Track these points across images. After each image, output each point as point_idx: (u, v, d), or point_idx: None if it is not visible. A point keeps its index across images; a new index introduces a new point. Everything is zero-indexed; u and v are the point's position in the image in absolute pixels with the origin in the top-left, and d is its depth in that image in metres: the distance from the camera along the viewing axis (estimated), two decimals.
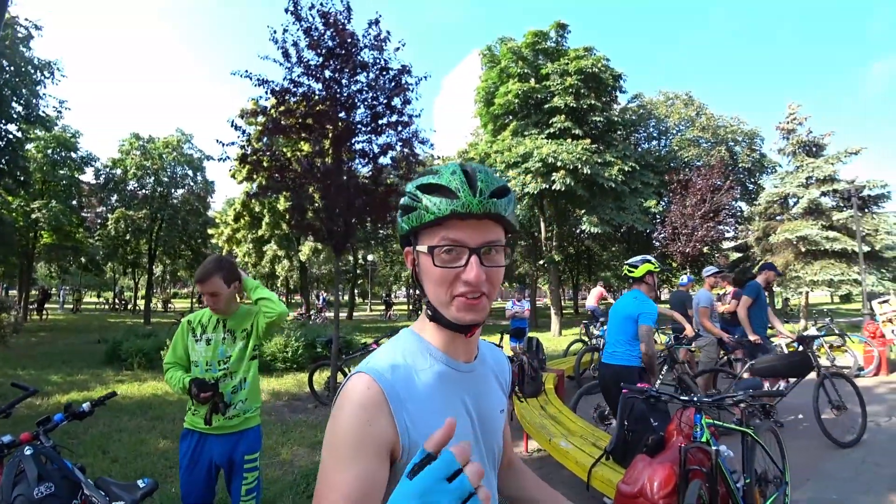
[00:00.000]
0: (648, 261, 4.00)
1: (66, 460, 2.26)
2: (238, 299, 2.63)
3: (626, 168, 16.55)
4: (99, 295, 50.79)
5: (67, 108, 17.83)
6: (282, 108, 6.55)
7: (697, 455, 2.62)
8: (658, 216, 18.49)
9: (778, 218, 20.89)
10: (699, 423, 2.71)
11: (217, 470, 2.51)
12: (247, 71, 6.36)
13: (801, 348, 5.30)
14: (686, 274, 9.93)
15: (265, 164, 6.79)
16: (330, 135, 6.61)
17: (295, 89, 6.56)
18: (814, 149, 21.96)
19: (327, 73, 6.55)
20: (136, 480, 2.22)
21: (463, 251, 0.79)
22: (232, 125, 6.73)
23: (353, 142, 6.88)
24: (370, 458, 0.74)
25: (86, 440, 5.16)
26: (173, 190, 24.56)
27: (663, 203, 19.10)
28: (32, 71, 15.57)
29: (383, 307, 30.23)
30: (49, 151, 20.62)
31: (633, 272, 4.01)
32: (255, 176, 7.53)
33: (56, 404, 6.68)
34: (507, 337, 7.25)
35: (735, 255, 22.26)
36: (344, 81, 6.64)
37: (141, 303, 29.80)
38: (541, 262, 19.31)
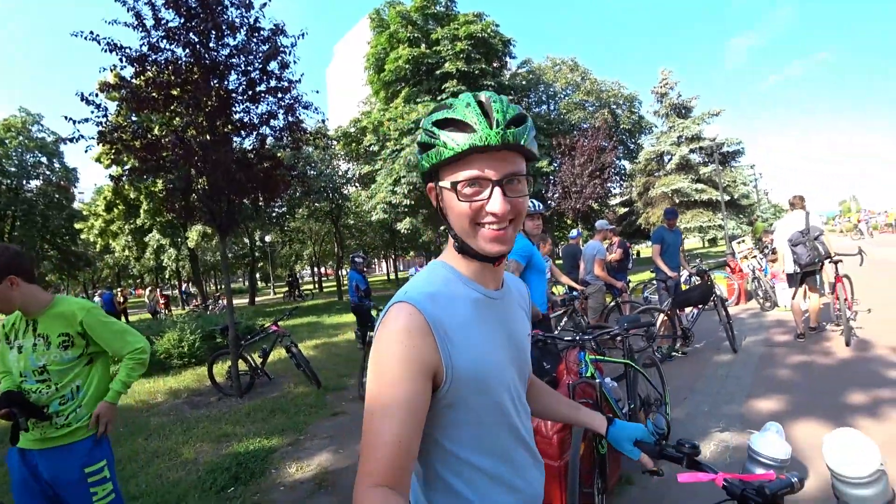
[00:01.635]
0: None
1: None
2: (47, 294, 2.23)
3: None
4: None
5: None
6: (143, 79, 5.81)
7: (585, 389, 2.82)
8: (550, 177, 19.40)
9: (656, 174, 23.00)
10: (583, 360, 2.91)
11: (58, 490, 2.13)
12: (92, 33, 5.53)
13: (700, 281, 6.15)
14: (576, 228, 10.61)
15: (133, 143, 6.03)
16: (203, 106, 6.01)
17: (156, 56, 5.85)
18: (683, 111, 24.32)
19: (192, 37, 5.91)
20: None
21: (486, 183, 0.81)
22: (83, 99, 5.86)
23: (229, 112, 6.32)
24: (416, 379, 0.78)
25: None
26: (24, 182, 21.40)
27: (554, 164, 20.09)
28: None
29: (286, 288, 29.17)
30: None
31: None
32: (123, 158, 6.69)
33: None
34: None
35: (622, 210, 24.20)
36: (211, 45, 6.03)
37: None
38: (442, 227, 19.53)
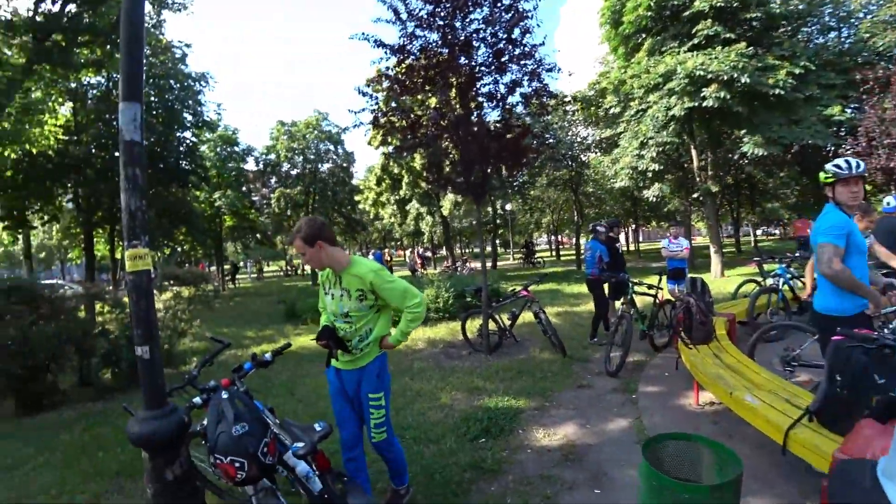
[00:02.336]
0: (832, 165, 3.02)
1: (257, 402, 2.53)
2: (346, 255, 2.75)
3: (797, 70, 13.39)
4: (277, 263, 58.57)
5: (224, 109, 20.69)
6: (403, 67, 6.52)
7: None
8: (844, 127, 15.10)
9: None
10: None
11: (356, 402, 2.82)
12: (363, 33, 6.40)
13: None
14: (893, 194, 7.95)
15: (397, 125, 6.90)
16: (454, 84, 6.44)
17: (412, 44, 6.46)
18: None
19: (439, 21, 6.34)
20: (314, 423, 2.37)
21: None
22: (359, 92, 6.94)
23: (478, 87, 6.63)
24: None
25: (277, 384, 6.05)
26: (319, 165, 26.84)
27: (850, 110, 15.54)
28: (192, 83, 18.03)
29: (522, 255, 30.25)
30: (218, 150, 23.97)
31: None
32: (389, 139, 7.73)
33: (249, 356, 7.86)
34: (664, 279, 6.59)
35: None
36: (458, 25, 6.37)
37: (308, 268, 33.67)
38: (694, 195, 17.27)
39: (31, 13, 10.08)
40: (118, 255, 19.09)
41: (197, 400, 2.46)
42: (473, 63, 6.44)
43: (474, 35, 6.43)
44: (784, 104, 13.79)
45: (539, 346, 7.02)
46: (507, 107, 6.93)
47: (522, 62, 6.59)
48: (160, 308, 7.67)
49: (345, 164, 28.26)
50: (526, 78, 6.69)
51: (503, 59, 6.44)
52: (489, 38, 6.44)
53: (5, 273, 32.66)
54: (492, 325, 6.97)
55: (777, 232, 50.82)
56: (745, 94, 13.38)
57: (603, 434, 4.00)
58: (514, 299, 7.25)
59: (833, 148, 15.45)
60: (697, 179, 16.47)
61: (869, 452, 1.88)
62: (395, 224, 30.39)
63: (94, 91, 16.25)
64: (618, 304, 7.12)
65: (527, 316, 7.17)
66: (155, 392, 2.23)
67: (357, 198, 28.54)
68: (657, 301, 6.37)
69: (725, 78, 12.84)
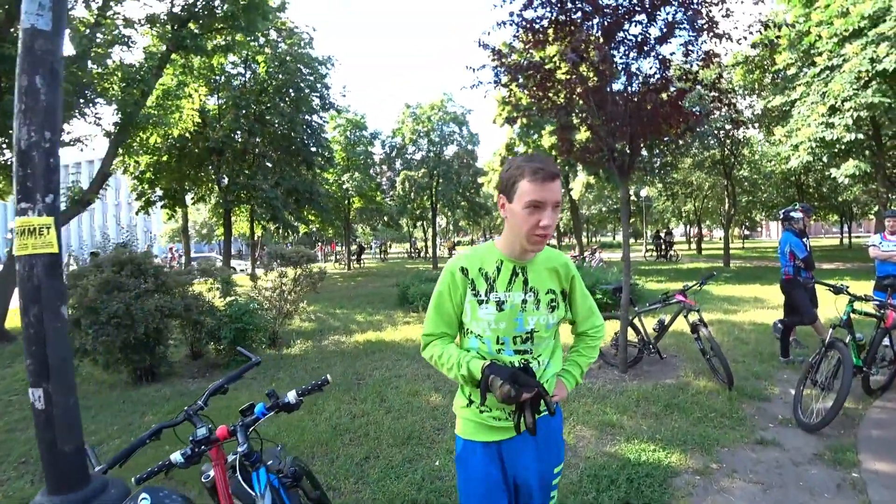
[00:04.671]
0: None
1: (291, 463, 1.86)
2: None
3: None
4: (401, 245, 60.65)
5: (349, 91, 21.20)
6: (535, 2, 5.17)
7: None
8: None
9: None
10: None
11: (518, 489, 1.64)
12: None
13: None
14: None
15: (528, 79, 5.65)
16: (596, 26, 5.04)
17: None
18: None
19: None
20: None
21: None
22: (481, 45, 5.74)
23: (627, 28, 5.14)
24: None
25: (370, 384, 5.33)
26: (444, 148, 26.37)
27: None
28: (319, 67, 18.31)
29: (655, 248, 27.26)
30: (348, 133, 24.56)
31: None
32: (515, 116, 6.53)
33: (355, 344, 7.34)
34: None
35: None
36: None
37: (430, 250, 33.88)
38: None
39: (170, 4, 10.63)
40: (258, 234, 20.58)
41: (177, 457, 1.60)
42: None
43: None
44: None
45: (692, 368, 5.39)
46: (661, 57, 5.35)
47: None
48: (268, 288, 7.54)
49: (469, 147, 27.55)
50: (686, 20, 5.06)
51: None
52: None
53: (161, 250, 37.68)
54: (631, 335, 5.54)
55: None
56: None
57: None
58: (664, 304, 5.59)
59: None
60: None
61: None
62: None
63: (234, 80, 17.28)
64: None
65: (676, 325, 5.65)
66: (60, 465, 1.34)
67: (481, 180, 27.60)
68: (883, 324, 4.39)
69: None
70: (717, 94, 5.74)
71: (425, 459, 3.47)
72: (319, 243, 35.67)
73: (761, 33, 5.74)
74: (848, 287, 4.42)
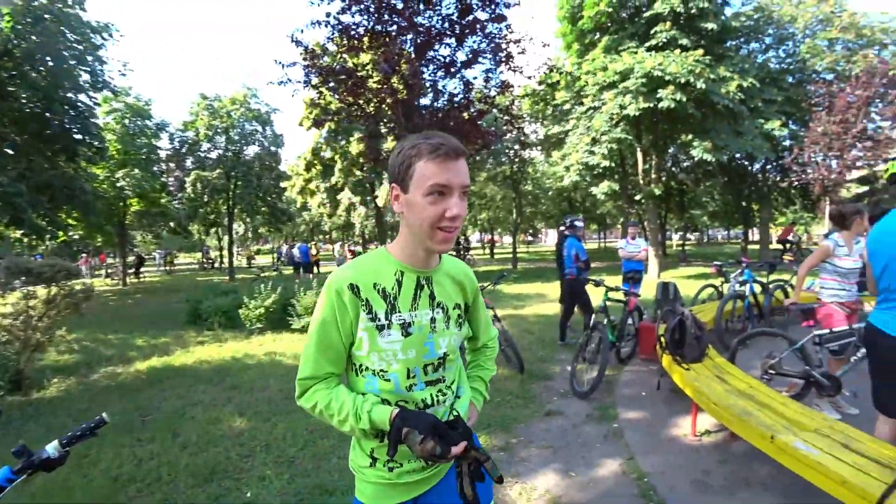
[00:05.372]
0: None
1: None
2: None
3: (746, 84, 13.82)
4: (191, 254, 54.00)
5: (130, 70, 17.55)
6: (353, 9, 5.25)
7: None
8: (782, 141, 15.75)
9: None
10: None
11: None
12: None
13: None
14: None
15: (340, 82, 5.65)
16: (409, 41, 5.33)
17: None
18: None
19: None
20: None
21: None
22: (293, 41, 5.55)
23: (434, 50, 5.55)
24: None
25: (158, 419, 4.48)
26: (244, 147, 24.47)
27: (792, 124, 16.31)
28: (92, 35, 15.13)
29: (455, 252, 29.50)
30: (126, 122, 20.78)
31: None
32: (323, 119, 6.45)
33: (136, 374, 6.23)
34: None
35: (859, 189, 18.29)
36: None
37: (226, 261, 30.85)
38: (637, 197, 17.28)
39: None
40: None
41: None
42: (437, 15, 5.33)
43: None
44: (731, 115, 14.16)
45: None
46: (466, 80, 5.92)
47: (487, 30, 5.60)
48: (6, 314, 5.80)
49: (273, 148, 25.67)
50: (489, 49, 5.71)
51: (468, 19, 5.39)
52: None
53: None
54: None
55: (692, 237, 54.54)
56: (699, 99, 13.60)
57: (594, 485, 3.10)
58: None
59: (763, 163, 16.08)
60: (641, 182, 16.58)
61: None
62: (325, 215, 28.40)
63: None
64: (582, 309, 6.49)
65: None
66: None
67: (284, 184, 26.22)
68: (626, 308, 5.67)
69: (682, 81, 12.83)
70: (509, 118, 6.59)
71: (234, 493, 3.11)
72: (84, 255, 29.26)
73: (547, 73, 6.80)
74: (604, 280, 5.51)
